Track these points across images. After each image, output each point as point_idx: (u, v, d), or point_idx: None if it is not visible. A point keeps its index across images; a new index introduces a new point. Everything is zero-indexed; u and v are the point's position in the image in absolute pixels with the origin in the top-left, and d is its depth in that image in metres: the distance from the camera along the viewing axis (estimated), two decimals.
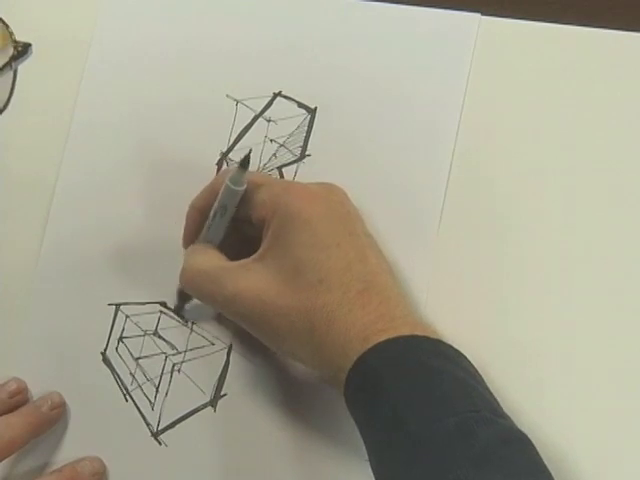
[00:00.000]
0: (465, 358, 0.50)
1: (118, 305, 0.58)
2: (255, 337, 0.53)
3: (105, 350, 0.58)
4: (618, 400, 0.52)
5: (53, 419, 0.59)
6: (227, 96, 0.59)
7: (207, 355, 0.57)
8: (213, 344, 0.57)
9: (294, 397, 0.55)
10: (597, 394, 0.52)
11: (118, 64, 0.62)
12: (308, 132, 0.58)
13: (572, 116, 0.55)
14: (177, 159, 0.60)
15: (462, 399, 0.47)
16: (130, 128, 0.61)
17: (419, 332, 0.49)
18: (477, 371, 0.50)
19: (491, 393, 0.49)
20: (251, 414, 0.55)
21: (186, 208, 0.56)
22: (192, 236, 0.56)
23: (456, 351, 0.50)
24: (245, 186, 0.53)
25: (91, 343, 0.58)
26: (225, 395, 0.56)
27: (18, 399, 0.59)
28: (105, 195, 0.60)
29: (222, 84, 0.60)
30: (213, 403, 0.56)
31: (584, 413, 0.52)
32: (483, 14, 0.57)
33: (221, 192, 0.53)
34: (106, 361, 0.58)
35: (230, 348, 0.56)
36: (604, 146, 0.55)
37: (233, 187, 0.52)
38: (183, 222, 0.56)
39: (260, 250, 0.53)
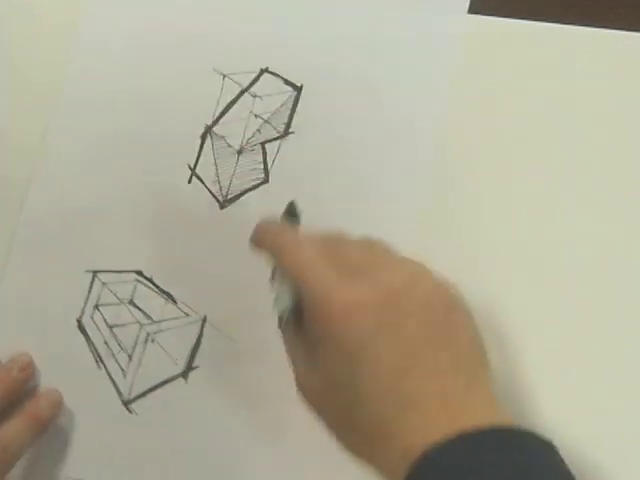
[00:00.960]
0: (558, 454, 0.44)
1: (95, 272, 0.59)
2: (230, 310, 0.53)
3: (81, 317, 0.59)
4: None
5: (23, 380, 0.59)
6: (214, 70, 0.60)
7: (181, 326, 0.57)
8: (188, 315, 0.57)
9: (267, 373, 0.56)
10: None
11: (108, 35, 0.62)
12: (293, 109, 0.58)
13: (573, 116, 0.55)
14: (162, 129, 0.60)
15: None
16: (118, 99, 0.61)
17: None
18: (570, 472, 0.44)
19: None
20: (221, 387, 0.56)
21: (169, 177, 0.57)
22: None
23: (541, 441, 0.44)
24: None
25: (67, 309, 0.59)
26: (197, 367, 0.56)
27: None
28: (88, 162, 0.60)
29: (210, 58, 0.60)
30: (185, 375, 0.56)
31: None
32: (483, 14, 0.57)
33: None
34: (81, 328, 0.58)
35: (204, 320, 0.57)
36: (604, 146, 0.55)
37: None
38: (166, 192, 0.58)
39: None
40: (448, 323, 0.46)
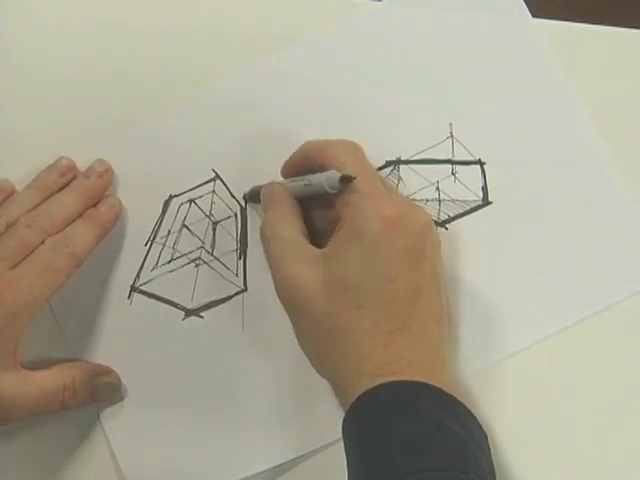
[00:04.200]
0: (475, 421, 0.50)
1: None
2: None
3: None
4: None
5: (102, 187, 0.59)
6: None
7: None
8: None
9: None
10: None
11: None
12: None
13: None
14: None
15: (455, 458, 0.47)
16: None
17: (434, 382, 0.49)
18: (486, 439, 0.50)
19: (491, 464, 0.49)
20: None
21: None
22: (291, 169, 0.58)
23: (468, 412, 0.50)
24: (336, 191, 0.54)
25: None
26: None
27: (69, 177, 0.59)
28: None
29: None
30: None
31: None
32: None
33: (317, 177, 0.55)
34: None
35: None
36: None
37: (327, 189, 0.54)
38: None
39: (327, 248, 0.53)
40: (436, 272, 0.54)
